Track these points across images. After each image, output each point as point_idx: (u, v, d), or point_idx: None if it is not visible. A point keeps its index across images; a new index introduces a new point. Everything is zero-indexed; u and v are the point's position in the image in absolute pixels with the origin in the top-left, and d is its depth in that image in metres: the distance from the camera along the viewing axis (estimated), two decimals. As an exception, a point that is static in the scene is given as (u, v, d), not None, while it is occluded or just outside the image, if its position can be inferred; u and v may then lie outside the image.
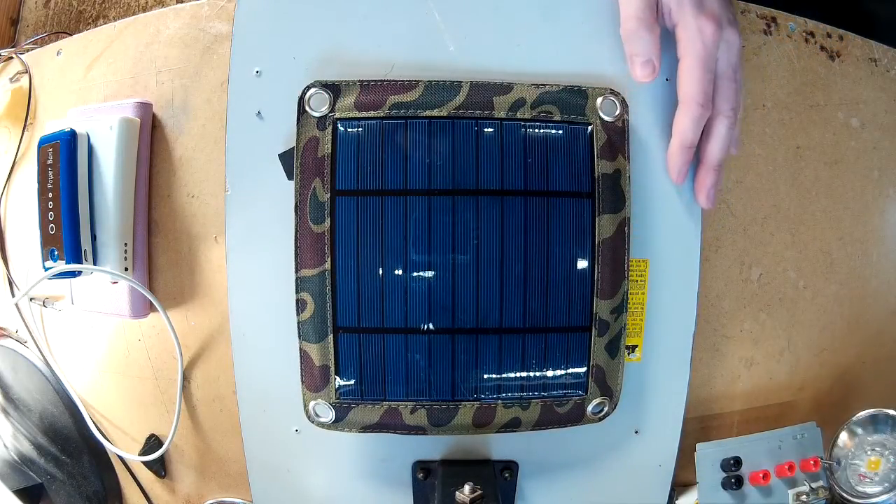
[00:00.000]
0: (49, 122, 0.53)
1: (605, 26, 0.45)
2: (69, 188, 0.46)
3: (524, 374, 0.44)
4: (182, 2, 0.54)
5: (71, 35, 0.57)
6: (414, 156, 0.43)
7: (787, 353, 0.53)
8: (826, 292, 0.53)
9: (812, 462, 0.49)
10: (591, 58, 0.46)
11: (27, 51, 0.58)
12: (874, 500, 0.49)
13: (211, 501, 0.53)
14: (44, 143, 0.48)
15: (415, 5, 0.45)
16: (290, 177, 0.45)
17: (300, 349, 0.44)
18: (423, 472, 0.48)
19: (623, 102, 0.44)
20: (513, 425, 0.44)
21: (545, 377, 0.44)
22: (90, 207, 0.48)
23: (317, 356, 0.43)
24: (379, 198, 0.43)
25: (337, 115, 0.43)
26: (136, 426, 0.54)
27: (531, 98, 0.44)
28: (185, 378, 0.51)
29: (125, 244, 0.48)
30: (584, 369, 0.45)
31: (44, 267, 0.48)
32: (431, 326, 0.43)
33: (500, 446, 0.48)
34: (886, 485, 0.49)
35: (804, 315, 0.53)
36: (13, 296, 0.57)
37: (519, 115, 0.43)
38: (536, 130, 0.44)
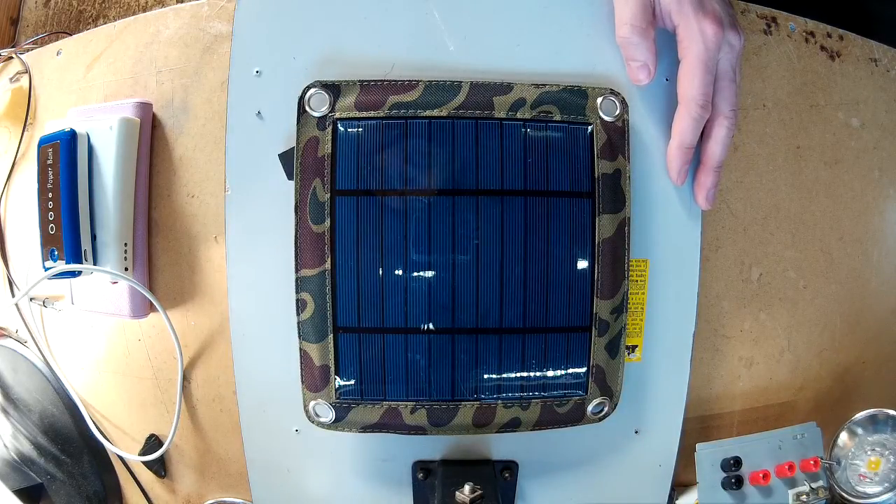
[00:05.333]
0: (49, 122, 0.53)
1: (604, 26, 0.45)
2: (69, 188, 0.46)
3: (524, 374, 0.44)
4: (182, 2, 0.54)
5: (71, 35, 0.57)
6: (414, 156, 0.43)
7: (787, 353, 0.53)
8: (826, 292, 0.53)
9: (812, 462, 0.49)
10: (591, 58, 0.46)
11: (27, 51, 0.58)
12: (874, 500, 0.49)
13: (211, 501, 0.53)
14: (44, 143, 0.48)
15: (415, 5, 0.45)
16: (290, 177, 0.45)
17: (300, 349, 0.44)
18: (423, 472, 0.48)
19: (623, 102, 0.44)
20: (513, 425, 0.44)
21: (545, 377, 0.44)
22: (90, 207, 0.48)
23: (317, 356, 0.43)
24: (379, 198, 0.43)
25: (337, 115, 0.43)
26: (136, 426, 0.54)
27: (531, 98, 0.44)
28: (185, 378, 0.51)
29: (125, 244, 0.48)
30: (584, 369, 0.45)
31: (44, 267, 0.48)
32: (431, 326, 0.43)
33: (500, 446, 0.48)
34: (886, 485, 0.49)
35: (804, 315, 0.53)
36: (13, 296, 0.57)
37: (519, 115, 0.43)
38: (536, 130, 0.44)
